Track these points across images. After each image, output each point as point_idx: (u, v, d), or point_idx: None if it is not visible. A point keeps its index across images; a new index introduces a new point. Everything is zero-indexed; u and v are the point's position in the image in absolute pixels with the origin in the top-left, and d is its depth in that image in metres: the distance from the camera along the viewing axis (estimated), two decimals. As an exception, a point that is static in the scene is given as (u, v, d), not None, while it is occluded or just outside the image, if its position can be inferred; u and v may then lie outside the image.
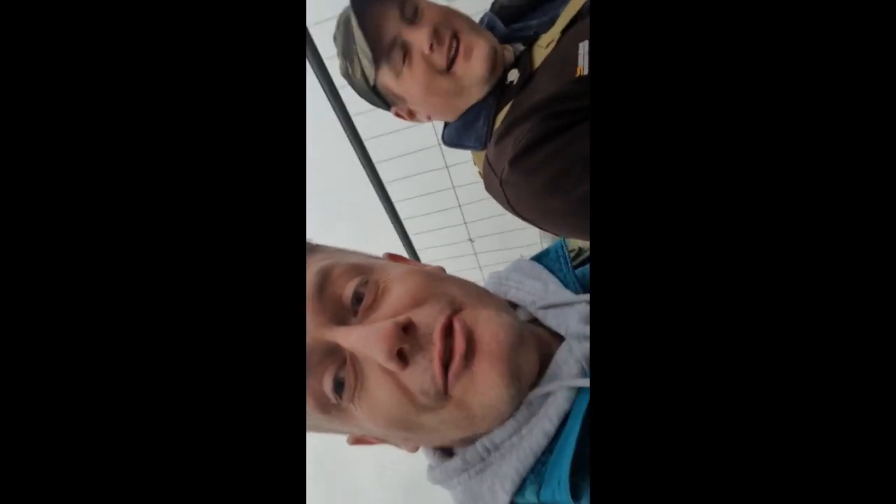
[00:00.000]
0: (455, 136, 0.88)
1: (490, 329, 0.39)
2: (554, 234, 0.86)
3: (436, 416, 0.39)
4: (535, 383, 0.41)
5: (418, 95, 0.82)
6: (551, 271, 0.51)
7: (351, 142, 1.68)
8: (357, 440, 0.48)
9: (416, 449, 0.47)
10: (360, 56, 0.80)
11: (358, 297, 0.40)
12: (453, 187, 2.07)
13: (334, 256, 0.44)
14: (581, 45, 0.73)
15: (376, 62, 0.80)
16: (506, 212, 0.84)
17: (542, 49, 0.81)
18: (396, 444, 0.46)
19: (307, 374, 0.39)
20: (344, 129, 1.65)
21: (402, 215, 2.04)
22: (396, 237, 2.10)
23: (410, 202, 2.07)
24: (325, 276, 0.41)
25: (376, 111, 0.94)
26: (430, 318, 0.39)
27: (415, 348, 0.38)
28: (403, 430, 0.40)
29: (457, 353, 0.38)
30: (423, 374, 0.38)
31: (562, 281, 0.49)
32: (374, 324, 0.38)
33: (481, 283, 0.52)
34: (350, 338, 0.38)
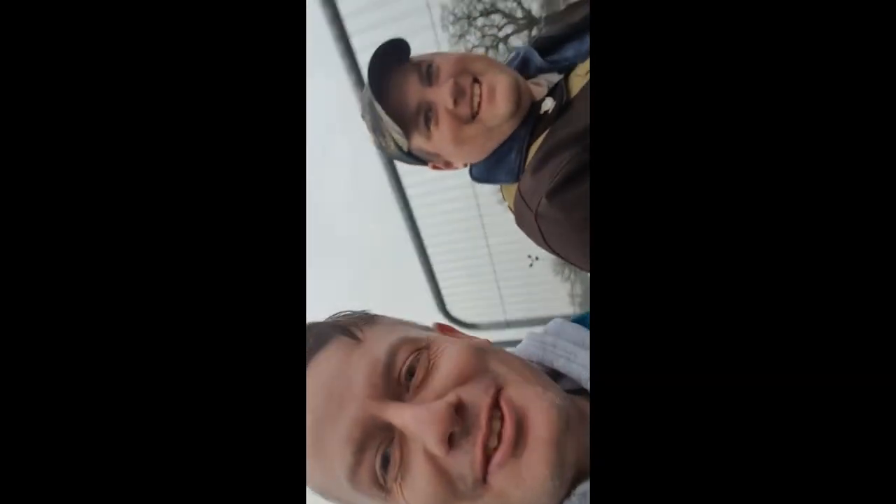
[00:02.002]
0: (485, 172, 0.88)
1: (541, 411, 0.38)
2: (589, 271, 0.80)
3: None
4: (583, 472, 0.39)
5: (450, 148, 0.83)
6: None
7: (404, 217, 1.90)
8: None
9: None
10: (391, 131, 0.83)
11: (410, 372, 0.41)
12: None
13: (394, 330, 0.44)
14: None
15: (406, 134, 0.82)
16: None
17: (580, 77, 0.80)
18: None
19: (360, 450, 0.39)
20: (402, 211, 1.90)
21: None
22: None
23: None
24: (393, 353, 0.41)
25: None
26: (476, 397, 0.39)
27: (463, 431, 0.38)
28: None
29: (505, 439, 0.37)
30: (463, 457, 0.38)
31: None
32: (428, 404, 0.38)
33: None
34: (404, 416, 0.38)
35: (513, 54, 0.91)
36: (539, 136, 0.80)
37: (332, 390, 0.40)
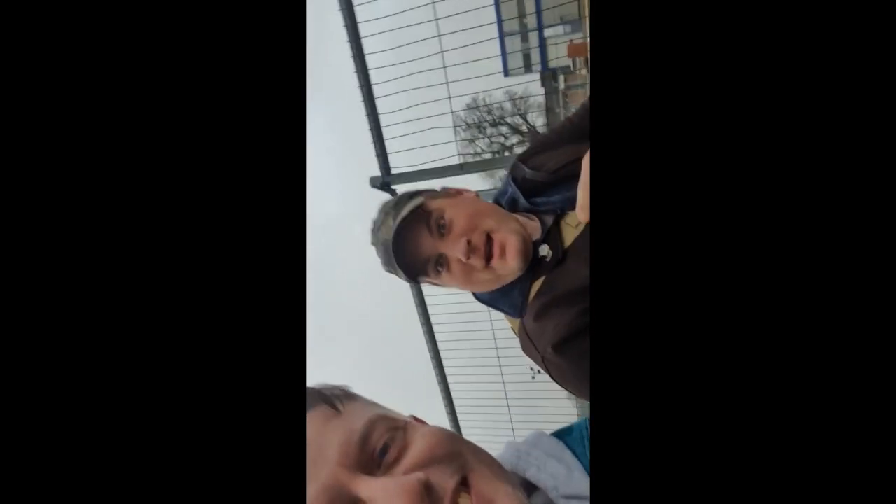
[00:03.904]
0: (489, 300, 0.94)
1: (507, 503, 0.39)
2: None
3: None
4: None
5: (459, 287, 0.90)
6: (574, 452, 0.51)
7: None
8: None
9: None
10: (402, 272, 0.87)
11: (384, 450, 0.42)
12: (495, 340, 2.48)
13: (373, 408, 0.46)
14: None
15: (417, 280, 0.89)
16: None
17: (571, 228, 0.87)
18: None
19: None
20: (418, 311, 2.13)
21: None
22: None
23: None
24: (370, 427, 0.42)
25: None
26: (443, 480, 0.40)
27: None
28: None
29: None
30: None
31: (585, 466, 0.49)
32: (397, 478, 0.39)
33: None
34: (373, 489, 0.39)
35: (502, 190, 0.98)
36: (538, 277, 0.87)
37: (306, 455, 0.40)
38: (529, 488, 0.49)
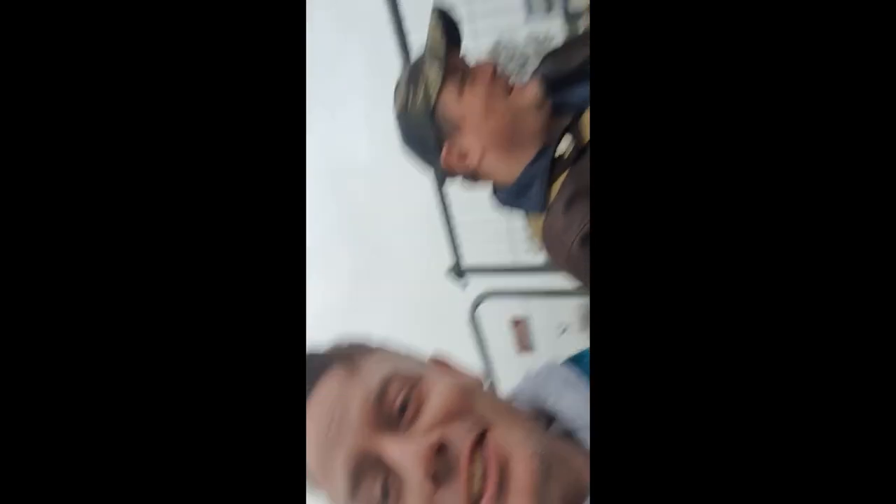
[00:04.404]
0: (510, 199, 0.96)
1: (523, 460, 0.40)
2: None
3: None
4: None
5: (478, 114, 0.88)
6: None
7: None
8: None
9: None
10: (429, 72, 0.88)
11: (403, 407, 0.43)
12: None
13: (388, 362, 0.47)
14: None
15: (445, 73, 0.88)
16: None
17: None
18: None
19: (357, 481, 0.42)
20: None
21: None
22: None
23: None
24: (385, 385, 0.44)
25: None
26: (458, 439, 0.41)
27: (448, 470, 0.41)
28: None
29: (488, 490, 0.40)
30: (452, 496, 0.40)
31: None
32: (415, 439, 0.41)
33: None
34: (394, 453, 0.41)
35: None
36: (558, 176, 0.88)
37: (331, 419, 0.43)
38: (549, 418, 0.50)
